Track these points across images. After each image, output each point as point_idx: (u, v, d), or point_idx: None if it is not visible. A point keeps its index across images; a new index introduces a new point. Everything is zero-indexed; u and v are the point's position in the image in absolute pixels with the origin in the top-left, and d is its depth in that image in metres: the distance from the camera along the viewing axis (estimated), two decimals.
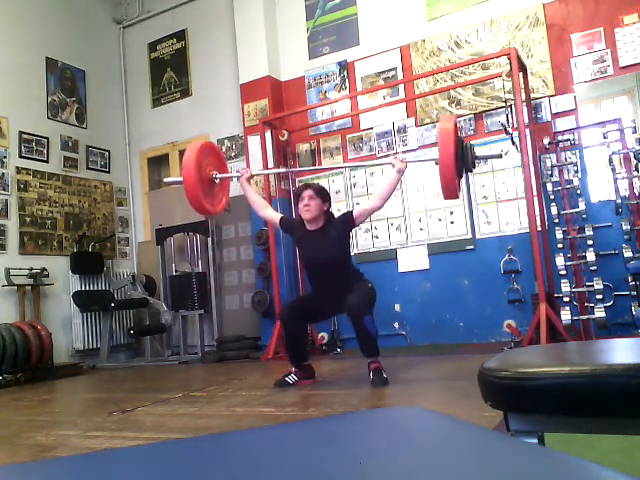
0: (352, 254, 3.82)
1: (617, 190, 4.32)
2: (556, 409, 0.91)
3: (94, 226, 6.60)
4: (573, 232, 4.50)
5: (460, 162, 3.20)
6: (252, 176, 3.68)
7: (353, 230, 3.63)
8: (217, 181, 3.57)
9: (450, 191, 3.26)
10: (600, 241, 4.42)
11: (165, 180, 3.73)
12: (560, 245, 4.44)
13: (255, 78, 6.00)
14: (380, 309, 5.27)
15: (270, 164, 5.58)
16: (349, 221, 3.39)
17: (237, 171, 3.69)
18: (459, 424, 0.69)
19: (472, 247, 5.13)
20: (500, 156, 3.71)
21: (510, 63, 4.41)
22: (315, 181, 5.49)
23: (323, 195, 3.36)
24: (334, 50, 5.91)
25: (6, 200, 5.66)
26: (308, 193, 3.31)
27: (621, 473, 0.46)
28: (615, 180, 4.35)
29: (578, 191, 4.51)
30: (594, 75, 4.71)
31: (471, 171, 3.38)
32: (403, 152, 5.46)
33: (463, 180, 5.14)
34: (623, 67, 4.62)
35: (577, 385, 0.88)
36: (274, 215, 3.64)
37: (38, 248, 5.90)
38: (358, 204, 5.64)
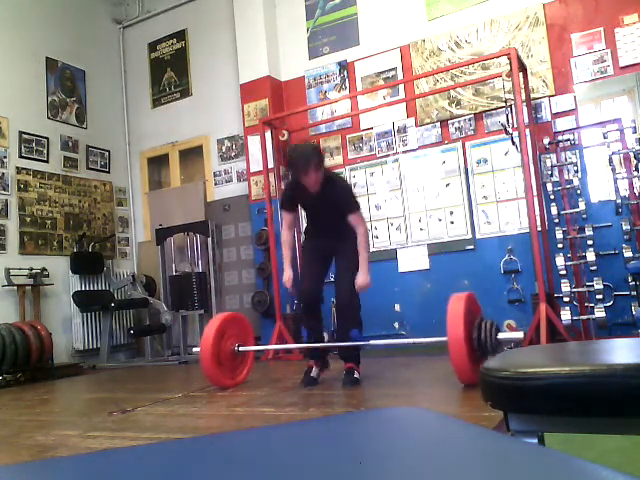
0: None
1: (617, 190, 4.32)
2: (556, 409, 0.91)
3: (94, 226, 6.60)
4: (573, 232, 4.50)
5: (476, 344, 2.75)
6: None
7: None
8: (238, 353, 3.60)
9: (465, 378, 2.79)
10: (600, 241, 4.42)
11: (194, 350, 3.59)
12: (560, 245, 4.44)
13: (255, 78, 6.00)
14: (380, 309, 5.32)
15: (270, 164, 5.57)
16: (351, 206, 3.36)
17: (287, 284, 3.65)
18: (459, 424, 0.69)
19: (472, 247, 5.12)
20: (520, 341, 3.23)
21: (510, 63, 4.40)
22: None
23: (321, 163, 3.28)
24: (334, 50, 5.90)
25: (6, 200, 5.66)
26: (311, 172, 3.18)
27: (621, 473, 0.46)
28: (615, 180, 4.36)
29: (578, 191, 4.51)
30: (594, 75, 4.71)
31: (490, 355, 2.80)
32: (403, 152, 5.46)
33: (463, 180, 5.21)
34: (623, 67, 4.61)
35: (577, 385, 0.88)
36: (286, 219, 3.64)
37: (38, 248, 5.90)
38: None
